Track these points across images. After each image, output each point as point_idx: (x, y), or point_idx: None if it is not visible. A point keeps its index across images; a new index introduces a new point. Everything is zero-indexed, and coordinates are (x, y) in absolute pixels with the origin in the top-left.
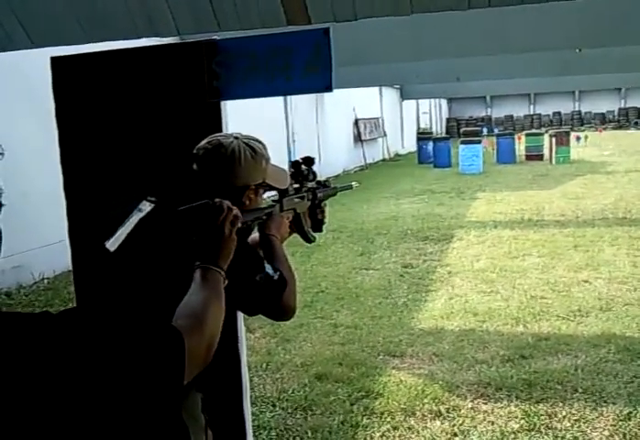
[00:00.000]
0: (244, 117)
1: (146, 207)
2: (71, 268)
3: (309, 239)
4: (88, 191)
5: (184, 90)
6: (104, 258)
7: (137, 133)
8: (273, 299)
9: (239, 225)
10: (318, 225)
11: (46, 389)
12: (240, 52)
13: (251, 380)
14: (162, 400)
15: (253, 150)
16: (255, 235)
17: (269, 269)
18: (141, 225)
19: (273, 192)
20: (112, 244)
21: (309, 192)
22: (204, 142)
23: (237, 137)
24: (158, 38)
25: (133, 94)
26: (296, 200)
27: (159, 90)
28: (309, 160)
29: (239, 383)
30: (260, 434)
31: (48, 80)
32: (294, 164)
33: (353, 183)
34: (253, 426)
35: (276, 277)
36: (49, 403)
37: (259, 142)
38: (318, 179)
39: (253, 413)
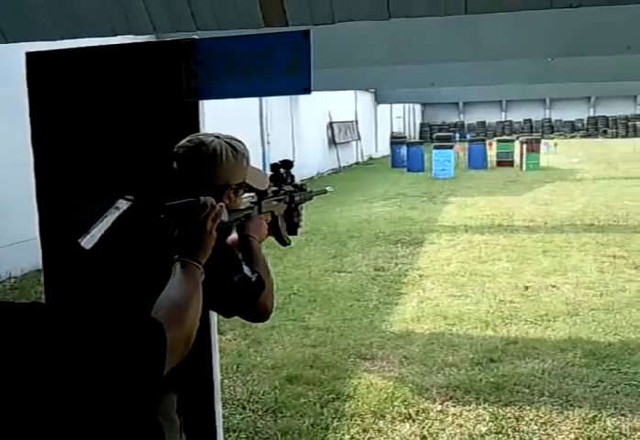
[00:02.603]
0: (217, 118)
1: (123, 205)
2: (39, 267)
3: (284, 242)
4: (60, 188)
5: (162, 89)
6: (77, 256)
7: (112, 131)
8: (250, 300)
9: (219, 221)
10: (293, 229)
11: (34, 376)
12: (219, 52)
13: (221, 383)
14: (143, 390)
15: (234, 150)
16: (233, 236)
17: (246, 270)
18: (119, 222)
19: (246, 195)
20: (87, 242)
21: (286, 195)
22: (184, 141)
23: (217, 137)
24: (133, 36)
25: (109, 92)
26: (274, 202)
27: (136, 88)
28: (288, 164)
29: (211, 385)
30: (230, 436)
31: (20, 75)
32: (273, 167)
33: (327, 188)
34: (223, 429)
35: (254, 278)
36: (35, 391)
37: (240, 142)
38: (295, 182)
39: (223, 416)
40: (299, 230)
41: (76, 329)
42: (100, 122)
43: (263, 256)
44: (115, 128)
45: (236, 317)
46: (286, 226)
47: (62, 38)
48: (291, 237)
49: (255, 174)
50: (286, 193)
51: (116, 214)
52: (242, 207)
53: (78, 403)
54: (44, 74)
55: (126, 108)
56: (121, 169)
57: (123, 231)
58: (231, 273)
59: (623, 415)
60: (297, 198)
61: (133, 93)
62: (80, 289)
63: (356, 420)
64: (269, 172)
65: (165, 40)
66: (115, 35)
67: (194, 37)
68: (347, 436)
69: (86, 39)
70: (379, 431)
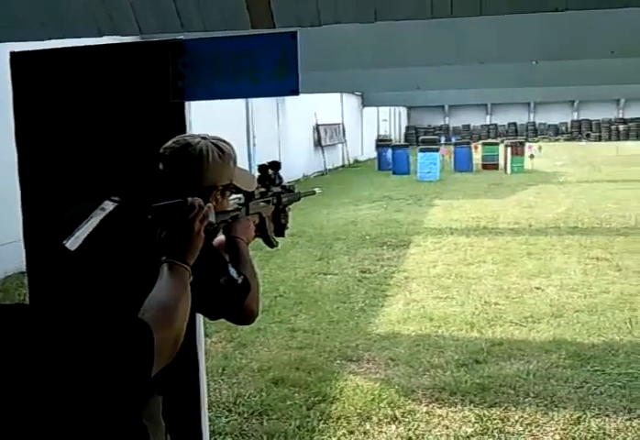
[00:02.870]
0: (203, 119)
1: (109, 207)
2: (22, 269)
3: (272, 244)
4: (45, 190)
5: (149, 89)
6: (62, 258)
7: (98, 132)
8: (236, 303)
9: (207, 222)
10: (281, 230)
11: (18, 377)
12: (207, 53)
13: (207, 385)
14: (130, 392)
15: (221, 151)
16: (220, 237)
17: (233, 272)
18: (104, 223)
19: (233, 196)
20: (72, 243)
21: (274, 197)
22: (170, 142)
23: (204, 138)
24: (119, 37)
25: (95, 93)
26: (262, 204)
27: (122, 89)
28: (276, 165)
29: (197, 388)
30: (216, 439)
31: (4, 75)
32: (261, 168)
33: (316, 189)
34: (209, 432)
35: (240, 281)
36: (19, 392)
37: (227, 143)
38: (283, 184)
39: (209, 419)
40: (286, 232)
41: (62, 331)
42: (85, 123)
43: (250, 258)
44: (100, 129)
45: (221, 320)
46: (273, 228)
47: (50, 39)
48: (278, 239)
49: (242, 175)
50: (274, 195)
51: (101, 215)
52: (229, 209)
53: (63, 405)
54: (29, 74)
55: (112, 109)
56: (107, 170)
57: (109, 232)
58: (217, 275)
59: (607, 416)
60: (285, 199)
61: (119, 94)
62: (65, 291)
63: (342, 422)
64: (256, 173)
65: (152, 41)
66: (102, 35)
67: (181, 37)
68: (333, 439)
69: (73, 40)
70: (365, 433)
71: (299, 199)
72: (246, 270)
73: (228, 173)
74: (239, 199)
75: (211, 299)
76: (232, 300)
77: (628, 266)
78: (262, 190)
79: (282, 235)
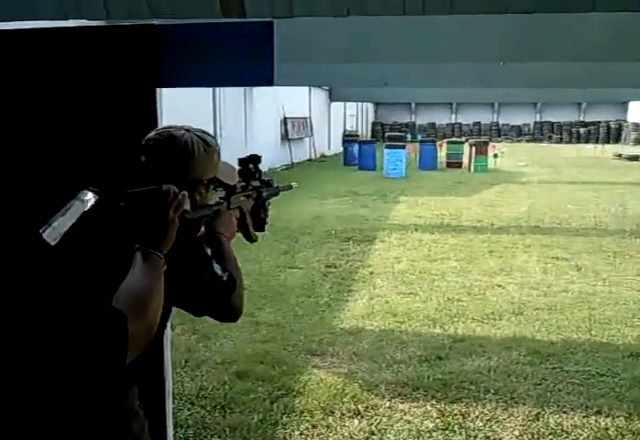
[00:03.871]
0: (169, 110)
1: (88, 197)
2: None
3: (251, 238)
4: (15, 181)
5: (120, 75)
6: (35, 247)
7: (65, 119)
8: (222, 300)
9: (182, 210)
10: (261, 225)
11: None
12: (181, 39)
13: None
14: (107, 380)
15: (206, 144)
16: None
17: (217, 268)
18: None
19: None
20: (49, 234)
21: (254, 191)
22: (153, 133)
23: (188, 130)
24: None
25: (63, 78)
26: (242, 198)
27: (93, 73)
28: (256, 158)
29: (162, 380)
30: (177, 432)
31: None
32: (242, 162)
33: (293, 184)
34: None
35: (225, 277)
36: None
37: (211, 136)
38: (263, 178)
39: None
40: (266, 226)
41: (37, 319)
42: (52, 108)
43: (234, 254)
44: (68, 117)
45: (184, 311)
46: (252, 223)
47: (13, 20)
48: (258, 234)
49: (225, 169)
50: (254, 189)
51: (82, 206)
52: (211, 203)
53: (41, 395)
54: None
55: (80, 95)
56: (78, 160)
57: (84, 220)
58: (201, 271)
59: (564, 413)
60: (265, 194)
61: (89, 80)
62: (38, 281)
63: (305, 416)
64: (236, 167)
65: (126, 24)
66: (67, 18)
67: (154, 22)
68: (296, 432)
69: (37, 22)
70: (328, 427)
71: (277, 193)
72: (230, 267)
73: (213, 167)
74: (220, 192)
75: (196, 295)
76: (217, 297)
77: (587, 266)
78: (243, 184)
79: (262, 229)
